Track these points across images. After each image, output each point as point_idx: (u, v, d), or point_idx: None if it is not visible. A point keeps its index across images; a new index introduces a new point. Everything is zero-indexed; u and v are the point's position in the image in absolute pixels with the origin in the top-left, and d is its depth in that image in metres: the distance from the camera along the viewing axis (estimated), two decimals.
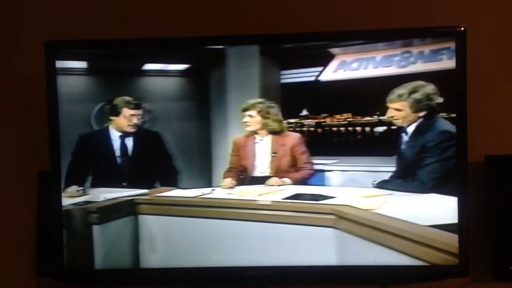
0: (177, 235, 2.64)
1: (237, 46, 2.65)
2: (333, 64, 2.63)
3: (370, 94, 2.60)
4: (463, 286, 2.66)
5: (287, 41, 2.66)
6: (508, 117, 2.75)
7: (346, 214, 2.47)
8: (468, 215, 2.50)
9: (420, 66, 2.55)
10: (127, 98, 2.67)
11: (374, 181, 2.60)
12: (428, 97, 2.53)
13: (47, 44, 2.59)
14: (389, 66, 2.59)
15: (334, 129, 2.64)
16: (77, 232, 2.63)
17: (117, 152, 2.73)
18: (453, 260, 2.44)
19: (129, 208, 2.66)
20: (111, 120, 2.72)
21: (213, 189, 2.68)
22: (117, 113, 2.70)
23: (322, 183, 2.69)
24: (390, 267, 2.47)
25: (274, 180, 2.69)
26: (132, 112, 2.69)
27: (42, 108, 2.63)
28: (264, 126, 2.71)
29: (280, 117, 2.65)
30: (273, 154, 2.73)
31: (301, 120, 2.64)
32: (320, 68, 2.62)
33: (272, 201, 2.60)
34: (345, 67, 2.63)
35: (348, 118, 2.62)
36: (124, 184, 2.68)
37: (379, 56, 2.60)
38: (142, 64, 2.69)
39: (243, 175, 2.74)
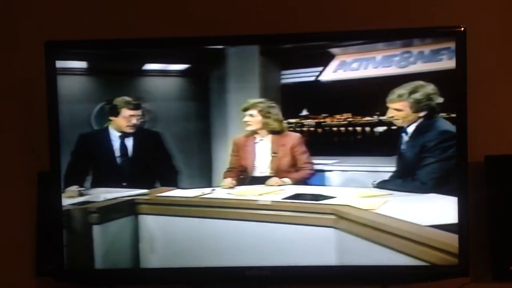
0: (177, 235, 2.64)
1: (237, 46, 2.65)
2: (333, 64, 2.63)
3: (370, 94, 2.60)
4: (463, 286, 2.66)
5: (287, 41, 2.66)
6: (508, 117, 2.75)
7: (346, 214, 2.47)
8: (468, 215, 2.50)
9: (420, 66, 2.55)
10: (127, 99, 2.67)
11: (374, 181, 2.60)
12: (428, 97, 2.54)
13: (47, 44, 2.59)
14: (389, 66, 2.59)
15: (334, 129, 2.64)
16: (77, 232, 2.63)
17: (117, 152, 2.73)
18: (453, 260, 2.44)
19: (129, 208, 2.66)
20: (110, 120, 2.72)
21: (213, 189, 2.68)
22: (116, 113, 2.70)
23: (322, 183, 2.69)
24: (390, 267, 2.47)
25: (274, 180, 2.69)
26: (131, 112, 2.69)
27: (42, 108, 2.63)
28: (265, 126, 2.71)
29: (280, 117, 2.65)
30: (273, 154, 2.73)
31: (301, 120, 2.64)
32: (320, 68, 2.62)
33: (272, 201, 2.60)
34: (345, 67, 2.63)
35: (348, 118, 2.62)
36: (124, 184, 2.68)
37: (379, 56, 2.60)
38: (142, 64, 2.69)
39: (243, 175, 2.74)
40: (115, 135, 2.74)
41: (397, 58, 2.57)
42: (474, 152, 2.56)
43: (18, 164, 2.86)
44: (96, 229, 2.62)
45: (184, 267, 2.63)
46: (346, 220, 2.47)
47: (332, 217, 2.49)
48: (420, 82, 2.54)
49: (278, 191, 2.66)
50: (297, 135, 2.66)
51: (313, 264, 2.56)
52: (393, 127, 2.57)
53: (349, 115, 2.61)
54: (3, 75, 2.88)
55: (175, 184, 2.71)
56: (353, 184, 2.65)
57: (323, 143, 2.66)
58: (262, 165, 2.74)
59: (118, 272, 2.65)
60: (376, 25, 2.63)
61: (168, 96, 2.73)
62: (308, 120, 2.64)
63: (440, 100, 2.53)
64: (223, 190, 2.67)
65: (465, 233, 2.48)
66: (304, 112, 2.64)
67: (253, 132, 2.74)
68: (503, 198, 2.61)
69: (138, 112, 2.69)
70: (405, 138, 2.58)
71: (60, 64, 2.60)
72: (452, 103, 2.52)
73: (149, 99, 2.67)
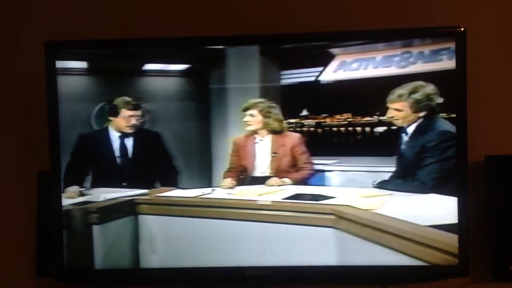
0: (177, 235, 2.64)
1: (237, 46, 2.65)
2: (333, 64, 2.63)
3: (370, 94, 2.60)
4: (463, 286, 2.66)
5: (287, 41, 2.66)
6: (508, 117, 2.75)
7: (346, 214, 2.47)
8: (468, 215, 2.50)
9: (420, 67, 2.55)
10: (127, 99, 2.67)
11: (374, 181, 2.60)
12: (428, 97, 2.54)
13: (47, 44, 2.59)
14: (389, 67, 2.59)
15: (334, 129, 2.63)
16: (77, 232, 2.63)
17: (117, 152, 2.73)
18: (453, 260, 2.44)
19: (129, 208, 2.66)
20: (110, 120, 2.72)
21: (213, 189, 2.68)
22: (116, 113, 2.70)
23: (322, 183, 2.69)
24: (390, 267, 2.47)
25: (274, 180, 2.69)
26: (131, 113, 2.69)
27: (42, 108, 2.63)
28: (265, 126, 2.71)
29: (281, 116, 2.65)
30: (273, 154, 2.73)
31: (301, 120, 2.64)
32: (320, 68, 2.62)
33: (272, 201, 2.60)
34: (345, 67, 2.63)
35: (348, 118, 2.61)
36: (124, 184, 2.68)
37: (379, 56, 2.60)
38: (142, 64, 2.68)
39: (243, 175, 2.74)
40: (115, 135, 2.74)
41: (397, 58, 2.57)
42: (474, 152, 2.56)
43: (18, 164, 2.86)
44: (96, 229, 2.62)
45: (184, 267, 2.62)
46: (346, 220, 2.47)
47: (332, 217, 2.49)
48: (420, 82, 2.54)
49: (278, 191, 2.66)
50: (297, 135, 2.66)
51: (313, 264, 2.56)
52: (393, 127, 2.57)
53: (349, 115, 2.61)
54: (3, 75, 2.88)
55: (175, 184, 2.70)
56: (353, 184, 2.65)
57: (323, 143, 2.66)
58: (262, 165, 2.74)
59: (118, 272, 2.65)
60: (376, 25, 2.63)
61: (168, 96, 2.72)
62: (308, 120, 2.64)
63: (440, 100, 2.53)
64: (223, 190, 2.67)
65: (465, 233, 2.48)
66: (304, 112, 2.64)
67: (253, 132, 2.74)
68: (503, 198, 2.61)
69: (138, 112, 2.69)
70: (405, 138, 2.58)
71: (60, 64, 2.60)
72: (452, 103, 2.52)
73: (149, 99, 2.67)
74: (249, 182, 2.73)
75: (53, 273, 2.68)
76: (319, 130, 2.63)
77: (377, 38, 2.60)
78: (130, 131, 2.72)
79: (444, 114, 2.53)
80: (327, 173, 2.69)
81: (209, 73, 2.70)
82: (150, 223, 2.66)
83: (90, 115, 2.68)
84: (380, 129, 2.59)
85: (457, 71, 2.50)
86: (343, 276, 2.61)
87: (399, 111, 2.55)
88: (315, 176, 2.68)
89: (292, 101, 2.65)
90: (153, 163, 2.73)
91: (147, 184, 2.68)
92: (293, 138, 2.67)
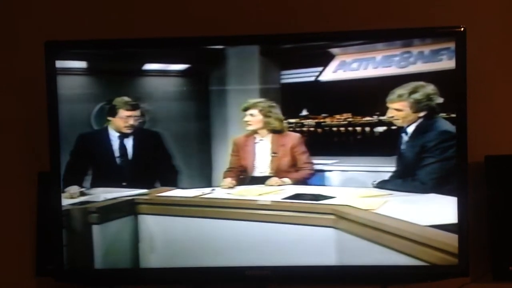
0: (177, 235, 2.64)
1: (237, 46, 2.65)
2: (333, 64, 2.63)
3: (370, 94, 2.59)
4: (463, 286, 2.66)
5: (287, 41, 2.66)
6: (508, 117, 2.75)
7: (346, 214, 2.47)
8: (468, 215, 2.50)
9: (420, 66, 2.55)
10: (126, 99, 2.67)
11: (374, 181, 2.60)
12: (428, 97, 2.54)
13: (47, 44, 2.59)
14: (389, 66, 2.59)
15: (334, 129, 2.63)
16: (77, 232, 2.63)
17: (117, 152, 2.73)
18: (453, 260, 2.44)
19: (129, 208, 2.66)
20: (109, 120, 2.72)
21: (213, 189, 2.68)
22: (114, 113, 2.70)
23: (322, 183, 2.69)
24: (390, 267, 2.47)
25: (274, 180, 2.69)
26: (128, 113, 2.69)
27: (42, 108, 2.63)
28: (266, 125, 2.71)
29: (281, 116, 2.65)
30: (273, 154, 2.73)
31: (301, 120, 2.64)
32: (320, 68, 2.62)
33: (272, 201, 2.60)
34: (345, 67, 2.63)
35: (348, 118, 2.62)
36: (124, 184, 2.69)
37: (379, 56, 2.60)
38: (142, 64, 2.68)
39: (243, 175, 2.74)
40: (114, 135, 2.74)
41: (397, 58, 2.57)
42: (474, 152, 2.56)
43: (18, 164, 2.86)
44: (96, 229, 2.62)
45: (184, 267, 2.62)
46: (346, 220, 2.47)
47: (332, 217, 2.49)
48: (420, 82, 2.54)
49: (278, 191, 2.66)
50: (297, 135, 2.66)
51: (313, 264, 2.56)
52: (393, 127, 2.57)
53: (349, 115, 2.61)
54: (3, 75, 2.88)
55: (175, 184, 2.71)
56: (353, 184, 2.65)
57: (323, 143, 2.66)
58: (262, 165, 2.74)
59: (118, 272, 2.66)
60: (376, 25, 2.63)
61: (168, 96, 2.73)
62: (308, 120, 2.64)
63: (440, 100, 2.53)
64: (223, 190, 2.67)
65: (465, 233, 2.48)
66: (304, 112, 2.64)
67: (253, 132, 2.75)
68: (503, 198, 2.61)
69: (135, 113, 2.69)
70: (405, 138, 2.58)
71: (60, 64, 2.60)
72: (452, 103, 2.52)
73: (149, 99, 2.67)
74: (249, 182, 2.74)
75: (53, 273, 2.68)
76: (319, 130, 2.64)
77: (377, 38, 2.60)
78: (128, 131, 2.72)
79: (444, 114, 2.53)
80: (327, 173, 2.70)
81: (209, 73, 2.71)
82: (150, 223, 2.66)
83: (90, 115, 2.68)
84: (380, 129, 2.59)
85: (457, 71, 2.50)
86: (343, 276, 2.61)
87: (399, 111, 2.55)
88: (315, 176, 2.68)
89: (292, 101, 2.65)
90: (153, 163, 2.73)
91: (147, 184, 2.69)
92: (293, 138, 2.67)
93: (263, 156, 2.74)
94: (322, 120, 2.63)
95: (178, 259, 2.63)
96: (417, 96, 2.54)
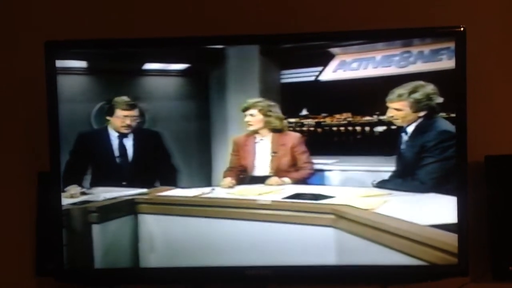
0: (177, 235, 2.64)
1: (237, 46, 2.65)
2: (333, 64, 2.63)
3: (370, 94, 2.59)
4: (462, 286, 2.66)
5: (287, 41, 2.66)
6: (508, 117, 2.75)
7: (346, 213, 2.47)
8: (467, 215, 2.50)
9: (420, 66, 2.56)
10: (125, 98, 2.67)
11: (374, 181, 2.60)
12: (428, 97, 2.54)
13: (47, 44, 2.59)
14: (389, 66, 2.59)
15: (334, 128, 2.64)
16: (77, 231, 2.63)
17: (116, 152, 2.73)
18: (452, 260, 2.44)
19: (129, 208, 2.66)
20: (109, 120, 2.72)
21: (213, 189, 2.68)
22: (111, 113, 2.70)
23: (322, 183, 2.69)
24: (389, 266, 2.47)
25: (274, 179, 2.69)
26: (126, 113, 2.69)
27: (42, 108, 2.63)
28: (267, 125, 2.71)
29: (281, 115, 2.65)
30: (273, 154, 2.73)
31: (301, 119, 2.64)
32: (320, 68, 2.62)
33: (272, 200, 2.60)
34: (345, 67, 2.63)
35: (348, 118, 2.61)
36: (124, 183, 2.69)
37: (379, 56, 2.60)
38: (142, 64, 2.69)
39: (243, 175, 2.74)
40: (114, 135, 2.74)
41: (397, 58, 2.57)
42: (473, 152, 2.56)
43: (18, 164, 2.86)
44: (96, 229, 2.62)
45: (184, 266, 2.62)
46: (345, 220, 2.47)
47: (332, 216, 2.49)
48: (420, 82, 2.54)
49: (277, 191, 2.66)
50: (297, 134, 2.66)
51: (312, 264, 2.55)
52: (393, 127, 2.57)
53: (349, 114, 2.61)
54: (3, 75, 2.88)
55: (174, 184, 2.70)
56: (353, 184, 2.65)
57: (323, 143, 2.66)
58: (262, 164, 2.74)
59: (117, 272, 2.66)
60: (376, 25, 2.63)
61: (168, 96, 2.73)
62: (308, 120, 2.64)
63: (439, 100, 2.53)
64: (223, 190, 2.67)
65: (464, 232, 2.48)
66: (304, 112, 2.64)
67: (253, 132, 2.74)
68: (503, 198, 2.61)
69: (133, 112, 2.69)
70: (405, 137, 2.58)
71: (60, 63, 2.61)
72: (451, 103, 2.52)
73: (149, 98, 2.67)
74: (249, 182, 2.74)
75: (53, 273, 2.68)
76: (319, 130, 2.64)
77: (377, 38, 2.60)
78: (126, 131, 2.72)
79: (444, 114, 2.53)
80: (326, 173, 2.70)
81: (209, 72, 2.71)
82: (149, 223, 2.66)
83: (90, 114, 2.68)
84: (380, 128, 2.59)
85: (457, 71, 2.50)
86: (343, 276, 2.61)
87: (399, 110, 2.55)
88: (315, 176, 2.68)
89: (292, 100, 2.65)
90: (152, 162, 2.73)
91: (147, 183, 2.69)
92: (293, 137, 2.67)
93: (263, 156, 2.74)
94: (322, 120, 2.63)
95: (178, 259, 2.62)
96: (417, 95, 2.54)
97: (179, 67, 2.71)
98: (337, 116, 2.62)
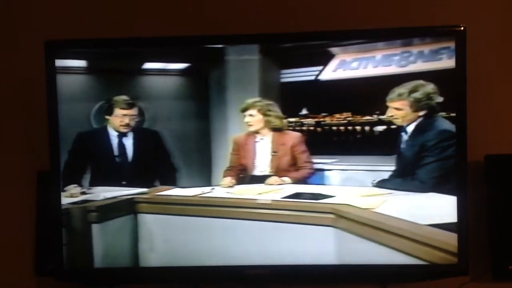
0: (177, 234, 2.64)
1: (237, 45, 2.65)
2: (333, 64, 2.63)
3: (370, 93, 2.59)
4: (462, 285, 2.66)
5: (287, 41, 2.66)
6: (508, 117, 2.75)
7: (346, 213, 2.47)
8: (467, 214, 2.50)
9: (420, 66, 2.56)
10: (124, 98, 2.66)
11: (374, 180, 2.60)
12: (428, 96, 2.54)
13: (47, 43, 2.59)
14: (389, 66, 2.59)
15: (334, 128, 2.63)
16: (76, 231, 2.63)
17: (116, 151, 2.73)
18: (452, 259, 2.44)
19: (129, 207, 2.66)
20: (108, 119, 2.72)
21: (213, 188, 2.68)
22: (110, 112, 2.70)
23: (321, 182, 2.69)
24: (389, 266, 2.47)
25: (274, 179, 2.69)
26: (124, 112, 2.69)
27: (42, 108, 2.63)
28: (267, 124, 2.71)
29: (281, 114, 2.64)
30: (273, 153, 2.73)
31: (301, 119, 2.64)
32: (320, 68, 2.62)
33: (272, 200, 2.60)
34: (345, 66, 2.63)
35: (348, 117, 2.61)
36: (124, 182, 2.68)
37: (379, 55, 2.60)
38: (142, 63, 2.69)
39: (243, 174, 2.74)
40: (113, 134, 2.73)
41: (397, 57, 2.57)
42: (473, 152, 2.56)
43: (18, 164, 2.86)
44: (96, 228, 2.62)
45: (183, 266, 2.62)
46: (345, 219, 2.47)
47: (332, 216, 2.49)
48: (420, 81, 2.54)
49: (277, 190, 2.66)
50: (297, 134, 2.66)
51: (312, 263, 2.55)
52: (393, 126, 2.57)
53: (349, 114, 2.61)
54: (3, 75, 2.88)
55: (174, 183, 2.70)
56: (353, 183, 2.65)
57: (323, 142, 2.66)
58: (262, 164, 2.74)
59: (117, 271, 2.65)
60: (376, 24, 2.63)
61: (168, 95, 2.73)
62: (307, 119, 2.64)
63: (439, 99, 2.53)
64: (223, 189, 2.67)
65: (464, 232, 2.48)
66: (304, 111, 2.64)
67: (254, 131, 2.74)
68: (503, 197, 2.61)
69: (131, 111, 2.69)
70: (405, 137, 2.58)
71: (59, 63, 2.61)
72: (451, 102, 2.52)
73: (148, 98, 2.67)
74: (249, 181, 2.73)
75: (53, 273, 2.68)
76: (319, 129, 2.64)
77: (377, 37, 2.60)
78: (125, 130, 2.72)
79: (443, 113, 2.53)
80: (326, 172, 2.69)
81: (209, 72, 2.71)
82: (149, 222, 2.66)
83: (89, 114, 2.68)
84: (380, 128, 2.59)
85: (457, 70, 2.50)
86: (343, 275, 2.61)
87: (399, 110, 2.55)
88: (315, 175, 2.68)
89: (292, 100, 2.65)
90: (152, 162, 2.73)
91: (147, 183, 2.68)
92: (293, 137, 2.67)
93: (263, 155, 2.74)
94: (322, 119, 2.63)
95: (177, 258, 2.62)
96: (417, 95, 2.54)
97: (179, 67, 2.71)
98: (337, 115, 2.62)
